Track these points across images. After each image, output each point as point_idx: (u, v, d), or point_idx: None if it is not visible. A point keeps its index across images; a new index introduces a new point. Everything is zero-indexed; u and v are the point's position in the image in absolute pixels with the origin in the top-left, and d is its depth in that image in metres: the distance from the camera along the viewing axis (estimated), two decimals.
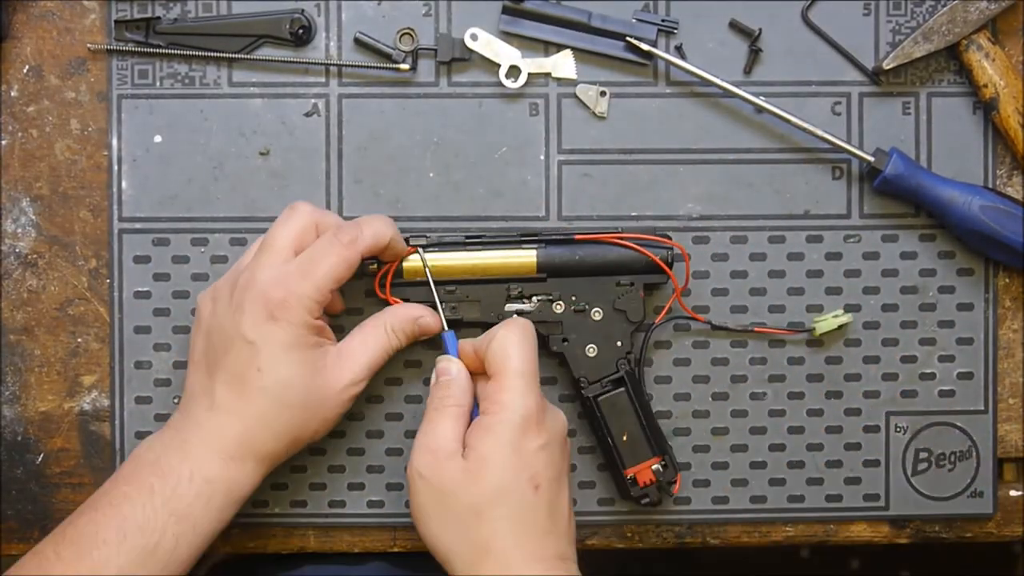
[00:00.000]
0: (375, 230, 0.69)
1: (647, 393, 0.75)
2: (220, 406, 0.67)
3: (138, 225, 0.76)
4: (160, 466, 0.67)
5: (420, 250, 0.72)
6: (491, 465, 0.66)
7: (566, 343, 0.73)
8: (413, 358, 0.76)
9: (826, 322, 0.75)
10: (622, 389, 0.73)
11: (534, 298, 0.73)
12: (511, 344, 0.68)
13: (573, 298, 0.73)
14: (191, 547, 0.66)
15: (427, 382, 0.76)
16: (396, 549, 0.77)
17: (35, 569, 0.65)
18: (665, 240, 0.73)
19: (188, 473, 0.66)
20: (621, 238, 0.73)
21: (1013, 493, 0.78)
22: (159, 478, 0.66)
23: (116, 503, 0.66)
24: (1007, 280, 0.77)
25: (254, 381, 0.67)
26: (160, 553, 0.65)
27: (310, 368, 0.68)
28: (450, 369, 0.71)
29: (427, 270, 0.72)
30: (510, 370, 0.68)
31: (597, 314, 0.73)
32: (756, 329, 0.76)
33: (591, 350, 0.73)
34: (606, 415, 0.73)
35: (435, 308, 0.72)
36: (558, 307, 0.73)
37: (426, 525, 0.67)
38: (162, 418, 0.76)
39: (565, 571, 0.67)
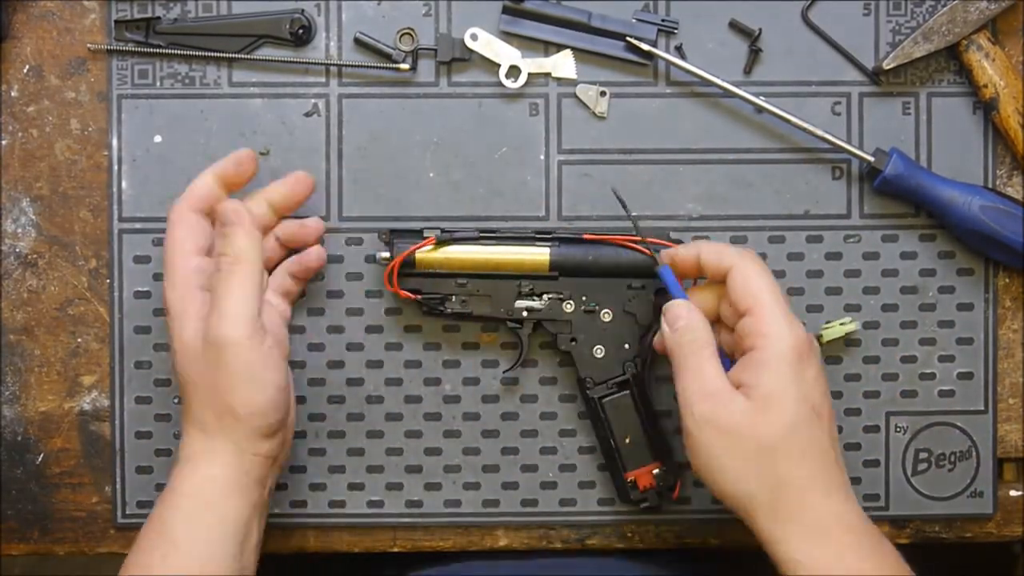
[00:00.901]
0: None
1: (650, 395, 0.75)
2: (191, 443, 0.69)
3: (138, 225, 0.76)
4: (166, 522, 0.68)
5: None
6: (778, 400, 0.65)
7: (574, 343, 0.73)
8: (413, 358, 0.76)
9: (833, 329, 0.75)
10: (627, 392, 0.73)
11: (545, 296, 0.73)
12: (755, 276, 0.67)
13: (584, 298, 0.73)
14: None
15: (427, 382, 0.76)
16: (396, 549, 0.77)
17: None
18: (675, 246, 0.73)
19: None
20: (633, 241, 0.73)
21: (1013, 493, 0.78)
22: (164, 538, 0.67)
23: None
24: (1007, 280, 0.77)
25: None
26: None
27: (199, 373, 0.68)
28: (683, 313, 0.68)
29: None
30: (766, 303, 0.66)
31: (607, 315, 0.73)
32: None
33: (599, 351, 0.73)
34: (610, 417, 0.73)
35: (443, 302, 0.73)
36: (568, 306, 0.73)
37: (720, 472, 0.66)
38: (162, 418, 0.76)
39: (851, 503, 0.66)
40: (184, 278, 0.68)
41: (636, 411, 0.73)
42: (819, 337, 0.75)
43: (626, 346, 0.73)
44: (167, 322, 0.68)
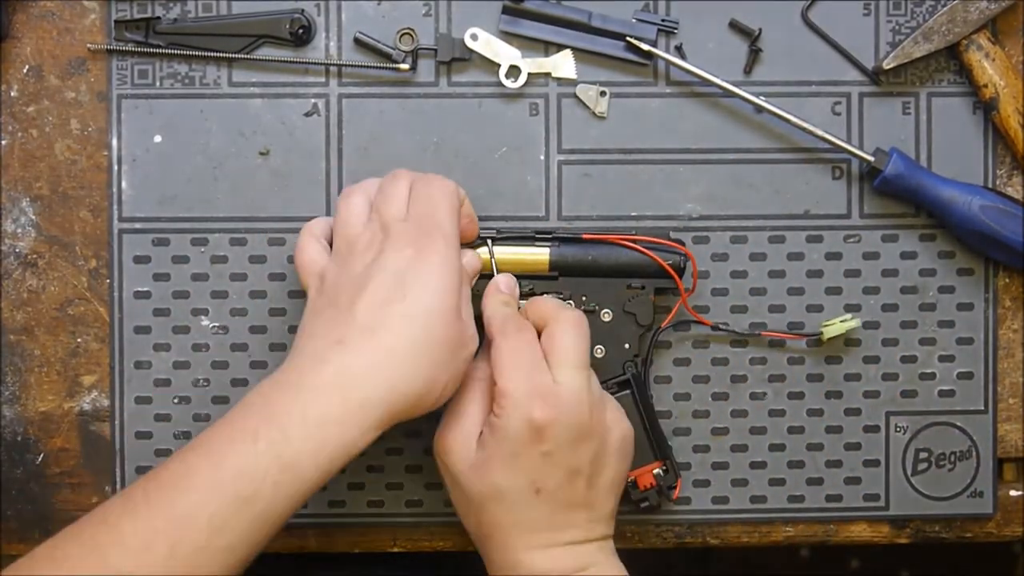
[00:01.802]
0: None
1: (650, 395, 0.75)
2: (351, 340, 0.62)
3: (138, 225, 0.76)
4: (269, 407, 0.61)
5: (489, 242, 0.72)
6: (491, 467, 0.66)
7: None
8: None
9: (834, 327, 0.75)
10: (627, 392, 0.73)
11: (544, 296, 0.73)
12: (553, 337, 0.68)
13: (584, 298, 0.73)
14: (292, 499, 0.60)
15: None
16: (396, 549, 0.77)
17: (120, 509, 0.60)
18: (677, 246, 0.73)
19: (301, 413, 0.60)
20: (633, 240, 0.73)
21: (1013, 493, 0.78)
22: (265, 420, 0.60)
23: (216, 447, 0.60)
24: (1007, 280, 0.77)
25: (397, 312, 0.62)
26: (258, 503, 0.59)
27: (451, 310, 0.64)
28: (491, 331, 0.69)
29: (493, 263, 0.72)
30: (505, 371, 0.66)
31: (607, 315, 0.73)
32: (763, 333, 0.75)
33: (599, 351, 0.73)
34: None
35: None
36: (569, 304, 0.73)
37: (451, 496, 0.70)
38: (162, 418, 0.76)
39: (573, 557, 0.67)
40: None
41: (636, 411, 0.73)
42: (820, 335, 0.75)
43: (626, 346, 0.73)
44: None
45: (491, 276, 0.72)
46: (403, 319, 0.62)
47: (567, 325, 0.67)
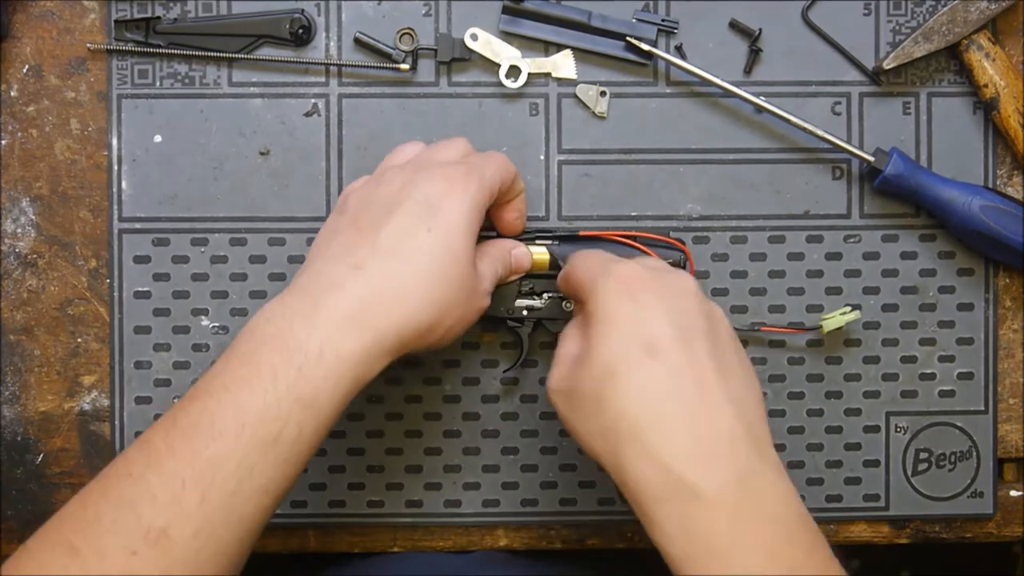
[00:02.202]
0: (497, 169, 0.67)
1: None
2: (370, 265, 0.61)
3: (138, 225, 0.76)
4: (284, 341, 0.59)
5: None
6: (594, 348, 0.59)
7: None
8: (413, 358, 0.76)
9: (833, 320, 0.74)
10: None
11: (545, 295, 0.73)
12: (575, 262, 0.66)
13: None
14: (314, 436, 0.59)
15: (427, 382, 0.76)
16: (396, 549, 0.77)
17: (144, 460, 0.58)
18: (677, 243, 0.73)
19: (318, 348, 0.59)
20: (631, 237, 0.73)
21: (1013, 493, 0.78)
22: (283, 356, 0.58)
23: (233, 389, 0.58)
24: (1007, 280, 0.77)
25: (421, 239, 0.62)
26: (282, 444, 0.58)
27: (470, 251, 0.63)
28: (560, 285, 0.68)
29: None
30: (578, 266, 0.65)
31: None
32: (763, 328, 0.76)
33: None
34: None
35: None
36: (568, 305, 0.73)
37: (572, 432, 0.61)
38: None
39: (719, 424, 0.56)
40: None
41: None
42: (820, 328, 0.75)
43: None
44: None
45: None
46: (425, 248, 0.61)
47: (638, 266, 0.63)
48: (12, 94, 0.75)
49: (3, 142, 0.75)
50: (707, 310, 0.61)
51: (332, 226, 0.66)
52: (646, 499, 0.56)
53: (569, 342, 0.63)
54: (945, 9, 0.74)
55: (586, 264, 0.64)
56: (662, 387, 0.57)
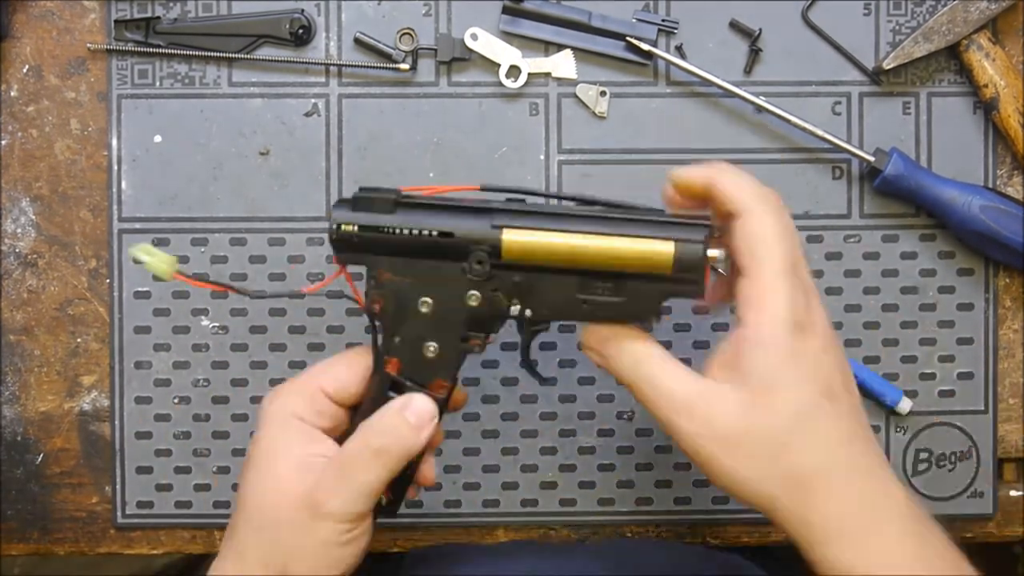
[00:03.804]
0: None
1: None
2: None
3: (138, 225, 0.76)
4: None
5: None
6: (777, 385, 0.55)
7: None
8: None
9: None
10: None
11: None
12: (766, 235, 0.57)
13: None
14: None
15: None
16: (396, 549, 0.77)
17: None
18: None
19: None
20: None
21: (1013, 493, 0.78)
22: None
23: None
24: (1007, 280, 0.77)
25: None
26: None
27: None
28: (607, 334, 0.59)
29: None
30: (768, 269, 0.56)
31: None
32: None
33: None
34: None
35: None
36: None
37: (734, 484, 0.56)
38: (162, 418, 0.76)
39: (888, 488, 0.56)
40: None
41: None
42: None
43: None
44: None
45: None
46: None
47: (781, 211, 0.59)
48: (12, 94, 0.75)
49: (3, 142, 0.75)
50: (837, 344, 0.59)
51: None
52: (827, 538, 0.56)
53: (677, 380, 0.57)
54: (945, 9, 0.74)
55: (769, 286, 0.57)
56: (843, 430, 0.57)
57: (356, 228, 0.59)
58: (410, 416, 0.60)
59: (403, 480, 0.61)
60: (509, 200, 0.61)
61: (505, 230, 0.58)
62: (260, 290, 0.64)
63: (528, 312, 0.59)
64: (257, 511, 0.60)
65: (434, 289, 0.59)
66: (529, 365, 0.63)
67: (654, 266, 0.57)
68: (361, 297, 0.61)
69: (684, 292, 0.58)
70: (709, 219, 0.59)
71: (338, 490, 0.58)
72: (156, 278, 0.64)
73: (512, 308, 0.59)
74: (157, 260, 0.59)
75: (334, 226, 0.59)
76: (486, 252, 0.58)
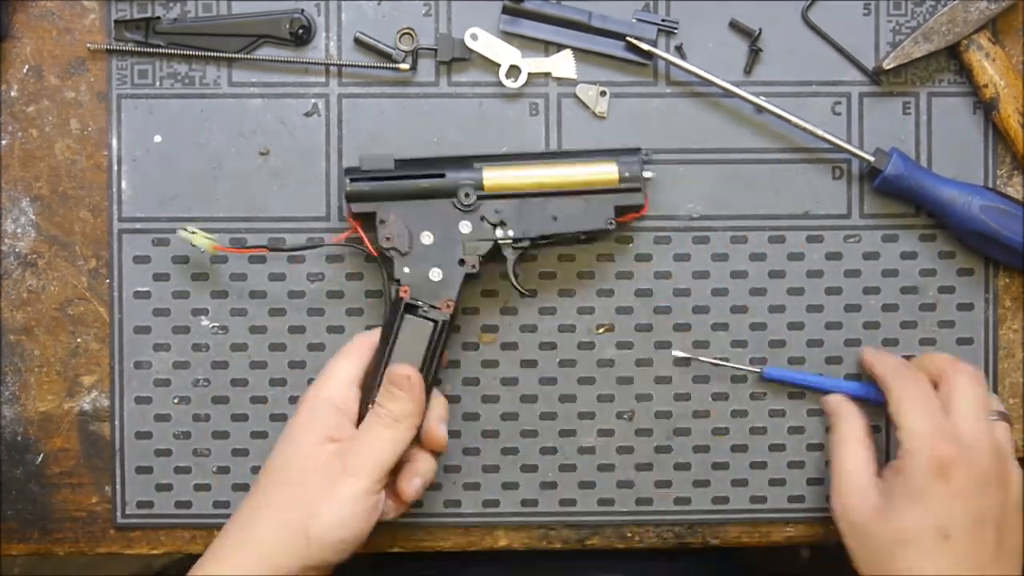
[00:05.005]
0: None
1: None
2: None
3: (138, 225, 0.76)
4: None
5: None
6: (900, 508, 0.67)
7: None
8: None
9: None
10: None
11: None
12: (905, 409, 0.69)
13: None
14: None
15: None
16: (396, 549, 0.77)
17: None
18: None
19: None
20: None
21: None
22: None
23: None
24: (1007, 280, 0.77)
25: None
26: None
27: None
28: (834, 406, 0.74)
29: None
30: (907, 412, 0.69)
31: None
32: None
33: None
34: None
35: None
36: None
37: (856, 560, 0.69)
38: (162, 418, 0.76)
39: None
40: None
41: None
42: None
43: None
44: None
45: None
46: None
47: (966, 377, 0.70)
48: (12, 94, 0.75)
49: (3, 142, 0.75)
50: (1007, 479, 0.68)
51: None
52: None
53: (857, 463, 0.70)
54: (945, 9, 0.74)
55: (918, 406, 0.69)
56: (943, 567, 0.65)
57: (367, 181, 0.71)
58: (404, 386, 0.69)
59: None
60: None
61: (485, 168, 0.72)
62: (279, 240, 0.75)
63: (511, 232, 0.72)
64: (283, 471, 0.68)
65: (432, 223, 0.71)
66: (514, 279, 0.73)
67: (605, 182, 0.72)
68: (372, 248, 0.72)
69: (629, 200, 0.72)
70: (641, 149, 0.73)
71: (359, 452, 0.67)
72: (194, 246, 0.72)
73: (497, 231, 0.71)
74: (200, 236, 0.72)
75: (348, 180, 0.71)
76: (472, 186, 0.71)
